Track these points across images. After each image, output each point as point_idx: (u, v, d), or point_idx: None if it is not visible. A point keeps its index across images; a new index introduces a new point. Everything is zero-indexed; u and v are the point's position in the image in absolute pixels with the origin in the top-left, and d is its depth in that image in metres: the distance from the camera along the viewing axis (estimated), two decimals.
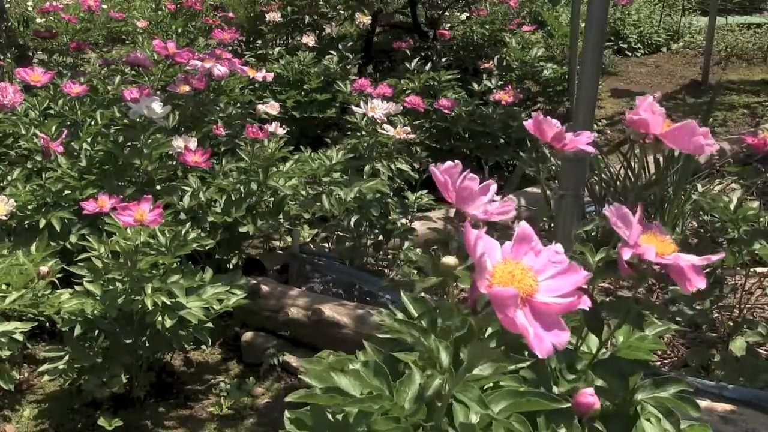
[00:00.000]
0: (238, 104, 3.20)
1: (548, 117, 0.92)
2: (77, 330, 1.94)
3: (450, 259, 0.84)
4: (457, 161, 0.90)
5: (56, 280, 2.12)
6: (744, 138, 2.24)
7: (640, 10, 7.12)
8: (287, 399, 0.89)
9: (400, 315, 0.95)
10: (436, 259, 0.86)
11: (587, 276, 0.73)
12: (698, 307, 2.01)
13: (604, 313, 0.89)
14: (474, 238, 0.71)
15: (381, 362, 0.85)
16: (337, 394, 0.81)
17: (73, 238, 2.33)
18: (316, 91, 3.93)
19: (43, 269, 2.02)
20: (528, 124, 0.95)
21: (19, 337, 1.88)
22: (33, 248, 2.14)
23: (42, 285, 2.02)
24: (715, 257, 0.84)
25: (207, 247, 2.23)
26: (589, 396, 0.82)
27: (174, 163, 2.56)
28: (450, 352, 0.79)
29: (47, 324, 2.18)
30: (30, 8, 5.57)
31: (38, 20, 4.89)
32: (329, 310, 2.28)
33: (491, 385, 0.84)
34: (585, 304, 0.70)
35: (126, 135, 2.52)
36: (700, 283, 0.81)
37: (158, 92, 2.91)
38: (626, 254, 0.81)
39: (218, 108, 3.01)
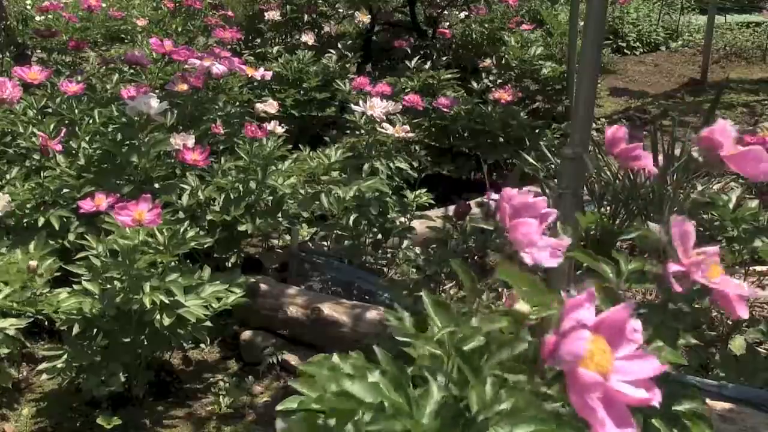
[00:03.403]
0: (237, 103, 3.20)
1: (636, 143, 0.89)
2: (76, 329, 1.94)
3: (524, 307, 0.78)
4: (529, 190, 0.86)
5: (53, 279, 2.11)
6: (745, 137, 2.24)
7: (638, 9, 7.12)
8: (278, 408, 0.87)
9: (407, 321, 0.92)
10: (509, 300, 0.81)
11: (663, 368, 0.65)
12: (697, 306, 2.00)
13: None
14: (577, 318, 0.64)
15: (396, 371, 0.81)
16: (349, 398, 0.78)
17: (71, 237, 2.32)
18: (315, 90, 3.93)
19: (32, 263, 2.01)
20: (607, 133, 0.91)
21: (11, 331, 1.87)
22: (31, 247, 2.14)
23: (40, 283, 2.02)
24: (755, 292, 0.83)
25: (206, 246, 2.23)
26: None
27: (172, 161, 2.56)
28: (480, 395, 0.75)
29: (46, 323, 2.17)
30: (29, 7, 5.56)
31: (37, 19, 4.89)
32: (328, 309, 2.28)
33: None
34: (657, 400, 0.63)
35: (124, 133, 2.52)
36: (743, 314, 0.79)
37: (156, 91, 2.91)
38: (672, 268, 0.79)
39: (217, 106, 3.01)
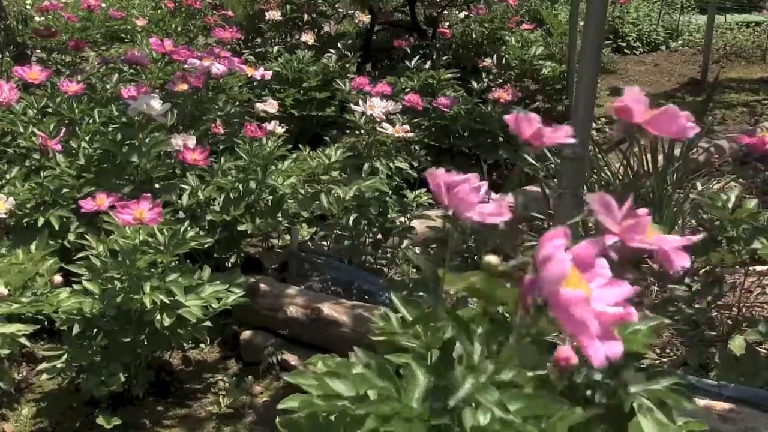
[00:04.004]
0: (237, 103, 3.20)
1: (529, 113, 0.91)
2: (76, 329, 1.94)
3: (492, 258, 0.82)
4: (449, 170, 0.89)
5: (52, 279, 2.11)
6: (742, 137, 2.24)
7: (638, 9, 7.13)
8: (280, 406, 0.88)
9: (393, 318, 0.94)
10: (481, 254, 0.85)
11: (635, 289, 0.72)
12: (697, 306, 2.01)
13: None
14: (555, 244, 0.70)
15: (380, 364, 0.84)
16: (333, 397, 0.80)
17: (71, 237, 2.32)
18: (315, 90, 3.93)
19: (58, 279, 2.02)
20: (509, 119, 0.94)
21: (23, 340, 1.87)
22: (33, 247, 2.14)
23: (40, 284, 2.02)
24: (695, 237, 0.84)
25: (206, 246, 2.23)
26: (566, 351, 0.82)
27: (172, 161, 2.56)
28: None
29: (46, 323, 2.17)
30: (28, 6, 5.57)
31: (37, 18, 4.89)
32: (328, 309, 2.28)
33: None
34: (635, 316, 0.70)
35: (124, 133, 2.52)
36: (684, 261, 0.82)
37: (156, 90, 2.91)
38: (609, 241, 0.81)
39: (217, 106, 3.01)
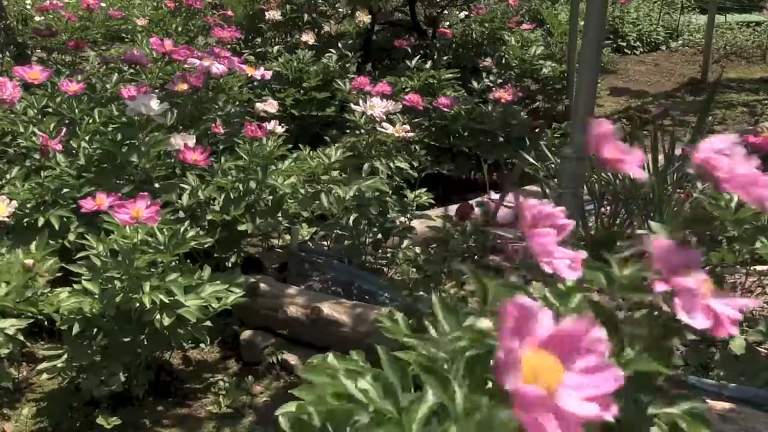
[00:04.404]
0: (237, 102, 3.20)
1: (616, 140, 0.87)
2: (76, 328, 1.94)
3: (487, 324, 0.76)
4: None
5: (51, 277, 2.11)
6: (745, 137, 2.24)
7: (639, 8, 7.13)
8: (278, 412, 0.87)
9: (401, 322, 0.92)
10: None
11: (621, 378, 0.62)
12: None
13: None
14: (513, 325, 0.61)
15: (393, 375, 0.80)
16: (348, 400, 0.77)
17: (71, 237, 2.32)
18: (315, 90, 3.93)
19: (29, 262, 2.01)
20: (597, 132, 0.89)
21: (11, 331, 1.87)
22: (33, 247, 2.14)
23: (40, 283, 2.02)
24: (744, 301, 0.79)
25: (206, 246, 2.23)
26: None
27: (172, 161, 2.56)
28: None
29: (46, 322, 2.17)
30: (29, 6, 5.57)
31: (37, 18, 4.89)
32: (328, 309, 2.28)
33: None
34: (612, 414, 0.60)
35: (124, 133, 2.52)
36: (733, 331, 0.78)
37: (156, 90, 2.91)
38: (659, 287, 0.78)
39: (217, 106, 3.01)
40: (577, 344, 0.63)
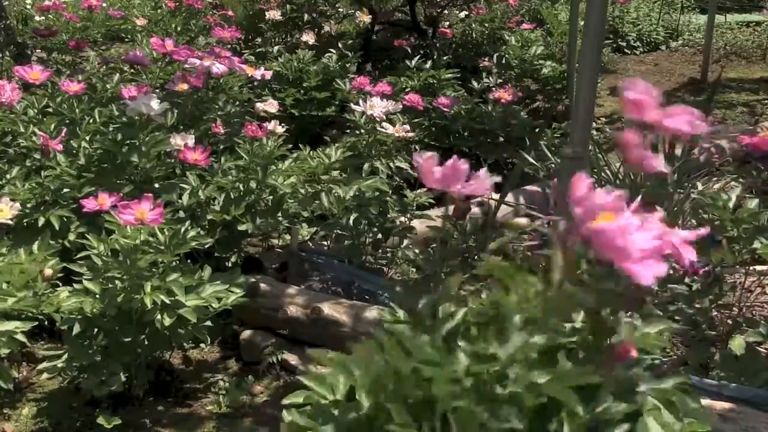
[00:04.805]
0: (237, 102, 3.20)
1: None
2: (76, 328, 1.94)
3: (522, 220, 0.86)
4: (433, 153, 0.92)
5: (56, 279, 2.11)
6: (742, 137, 2.24)
7: (638, 8, 7.13)
8: (284, 401, 0.88)
9: (401, 314, 0.94)
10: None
11: (663, 231, 0.76)
12: (697, 306, 2.01)
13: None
14: (586, 184, 0.76)
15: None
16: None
17: (72, 237, 2.32)
18: (315, 90, 3.93)
19: (48, 272, 2.01)
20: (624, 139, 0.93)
21: (21, 337, 1.87)
22: (35, 247, 2.14)
23: (42, 284, 2.02)
24: (703, 230, 0.86)
25: (206, 246, 2.23)
26: (628, 344, 0.84)
27: (173, 161, 2.56)
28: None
29: (46, 322, 2.18)
30: (29, 6, 5.56)
31: (37, 18, 4.89)
32: (328, 309, 2.28)
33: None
34: (668, 249, 0.76)
35: (124, 133, 2.52)
36: (692, 255, 0.83)
37: (157, 90, 2.91)
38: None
39: (217, 106, 3.01)
40: (619, 212, 0.76)
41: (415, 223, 2.75)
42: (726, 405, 1.68)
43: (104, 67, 3.44)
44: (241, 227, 2.49)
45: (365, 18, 4.65)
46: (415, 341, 0.84)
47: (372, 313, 2.24)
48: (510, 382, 0.79)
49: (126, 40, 4.78)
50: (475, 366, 0.80)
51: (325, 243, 2.80)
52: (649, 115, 0.85)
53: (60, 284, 2.10)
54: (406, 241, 2.69)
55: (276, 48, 4.45)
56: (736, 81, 5.85)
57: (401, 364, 0.82)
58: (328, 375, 0.96)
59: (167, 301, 1.93)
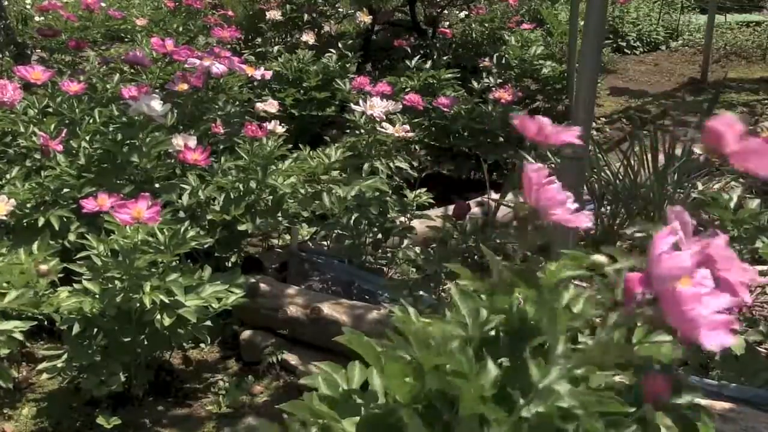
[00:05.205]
0: (237, 102, 3.20)
1: (535, 116, 0.93)
2: (76, 328, 1.94)
3: (601, 258, 0.85)
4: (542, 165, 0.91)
5: (56, 279, 2.11)
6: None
7: (638, 8, 7.13)
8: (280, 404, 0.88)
9: (413, 315, 0.94)
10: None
11: (733, 301, 0.74)
12: None
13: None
14: (670, 241, 0.73)
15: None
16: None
17: (71, 237, 2.32)
18: (315, 90, 3.93)
19: (43, 267, 2.01)
20: (516, 121, 0.96)
21: (18, 336, 1.87)
22: (35, 247, 2.14)
23: (43, 284, 2.02)
24: (762, 280, 0.85)
25: (206, 246, 2.23)
26: (661, 383, 0.84)
27: (173, 161, 2.56)
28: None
29: (46, 322, 2.17)
30: (28, 6, 5.56)
31: (37, 18, 4.88)
32: (328, 309, 2.28)
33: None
34: (736, 326, 0.72)
35: (124, 133, 2.52)
36: (746, 296, 0.82)
37: (157, 90, 2.91)
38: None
39: (217, 106, 3.01)
40: (693, 273, 0.75)
41: (415, 223, 2.75)
42: (726, 405, 1.68)
43: (104, 67, 3.44)
44: (241, 227, 2.49)
45: (365, 18, 4.64)
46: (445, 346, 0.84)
47: (372, 313, 2.24)
48: (539, 402, 0.79)
49: (126, 40, 4.78)
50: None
51: (325, 243, 2.80)
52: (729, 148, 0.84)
53: (59, 284, 2.10)
54: (406, 241, 2.69)
55: (276, 48, 4.45)
56: (736, 81, 5.85)
57: (425, 361, 0.82)
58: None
59: (167, 301, 1.93)
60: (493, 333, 0.88)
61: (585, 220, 0.89)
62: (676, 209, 0.80)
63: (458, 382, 0.79)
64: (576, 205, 0.90)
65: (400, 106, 3.00)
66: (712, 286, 0.75)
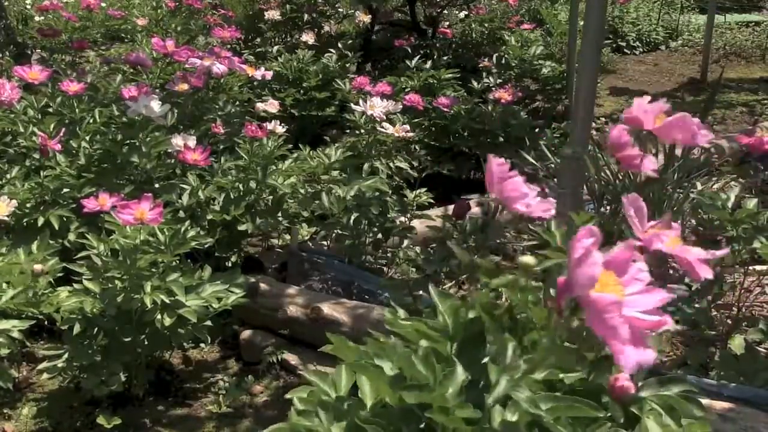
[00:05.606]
0: (237, 102, 3.20)
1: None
2: (76, 328, 1.94)
3: (529, 259, 0.83)
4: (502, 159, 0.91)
5: (53, 280, 2.11)
6: (740, 137, 2.25)
7: (638, 8, 7.12)
8: (288, 395, 0.89)
9: (401, 313, 0.94)
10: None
11: (670, 297, 0.72)
12: (697, 306, 2.01)
13: None
14: (586, 245, 0.70)
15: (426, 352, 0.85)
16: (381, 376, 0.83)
17: (71, 236, 2.32)
18: (315, 90, 3.93)
19: (37, 267, 2.01)
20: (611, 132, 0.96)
21: (17, 334, 1.87)
22: (34, 247, 2.14)
23: (42, 284, 2.02)
24: (720, 252, 0.85)
25: (206, 246, 2.23)
26: (624, 381, 0.83)
27: (173, 161, 2.56)
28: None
29: (46, 322, 2.18)
30: (28, 6, 5.56)
31: (37, 18, 4.89)
32: (328, 309, 2.28)
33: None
34: (669, 324, 0.70)
35: (124, 133, 2.52)
36: (707, 274, 0.82)
37: (157, 90, 2.91)
38: (633, 244, 0.82)
39: (217, 106, 3.01)
40: (626, 270, 0.73)
41: (415, 223, 2.75)
42: (726, 405, 1.68)
43: (106, 67, 3.44)
44: (241, 227, 2.49)
45: (365, 18, 4.65)
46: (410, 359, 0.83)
47: (372, 313, 2.25)
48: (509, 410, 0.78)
49: (126, 40, 4.78)
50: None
51: (325, 243, 2.80)
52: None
53: (60, 283, 2.10)
54: (406, 241, 2.69)
55: (276, 48, 4.46)
56: (736, 81, 5.85)
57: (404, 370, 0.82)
58: (331, 373, 0.96)
59: (167, 301, 1.93)
60: (470, 332, 0.88)
61: (546, 211, 0.90)
62: (631, 196, 0.80)
63: (423, 394, 0.79)
64: (538, 198, 0.90)
65: (400, 106, 3.00)
66: (646, 280, 0.73)
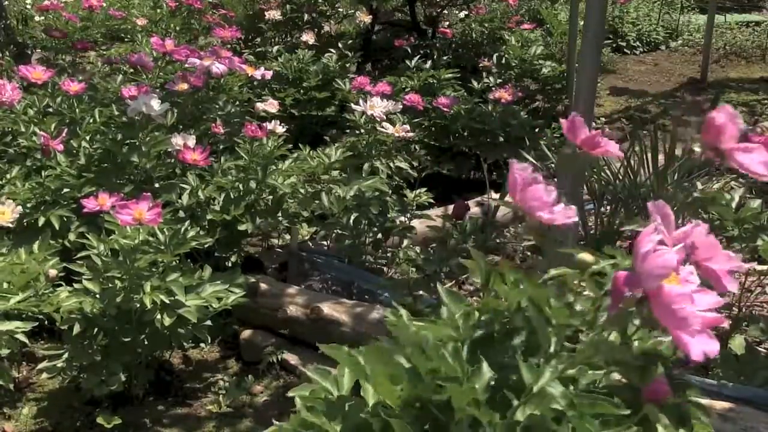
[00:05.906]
0: (237, 102, 3.20)
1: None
2: (76, 328, 1.94)
3: (588, 256, 0.85)
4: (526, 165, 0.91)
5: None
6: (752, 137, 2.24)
7: (638, 8, 7.12)
8: (290, 394, 0.89)
9: (405, 317, 0.94)
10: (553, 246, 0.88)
11: (722, 301, 0.75)
12: None
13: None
14: (654, 240, 0.72)
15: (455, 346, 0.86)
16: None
17: (72, 236, 2.32)
18: (315, 89, 3.93)
19: (53, 272, 2.01)
20: (563, 123, 0.96)
21: (21, 337, 1.87)
22: (35, 247, 2.14)
23: (42, 284, 2.02)
24: (745, 266, 0.85)
25: (206, 246, 2.23)
26: (662, 383, 0.84)
27: (173, 161, 2.56)
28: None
29: (46, 322, 2.17)
30: (29, 6, 5.56)
31: (37, 18, 4.89)
32: (328, 309, 2.28)
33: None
34: (724, 323, 0.73)
35: (124, 133, 2.52)
36: (733, 287, 0.82)
37: (157, 90, 2.91)
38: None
39: (217, 106, 3.01)
40: (679, 270, 0.75)
41: (415, 223, 2.75)
42: (726, 405, 1.68)
43: (107, 67, 3.44)
44: (241, 227, 2.49)
45: (365, 18, 4.64)
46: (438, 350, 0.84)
47: (372, 313, 2.25)
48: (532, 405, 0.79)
49: (126, 40, 4.78)
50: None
51: (325, 243, 2.80)
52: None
53: (61, 284, 2.10)
54: (406, 241, 2.69)
55: (276, 48, 4.45)
56: (736, 81, 5.84)
57: (420, 366, 0.82)
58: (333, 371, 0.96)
59: (167, 301, 1.93)
60: (484, 333, 0.89)
61: (569, 218, 0.90)
62: (658, 203, 0.80)
63: (451, 386, 0.79)
64: (562, 205, 0.91)
65: (400, 106, 3.00)
66: (697, 282, 0.75)
